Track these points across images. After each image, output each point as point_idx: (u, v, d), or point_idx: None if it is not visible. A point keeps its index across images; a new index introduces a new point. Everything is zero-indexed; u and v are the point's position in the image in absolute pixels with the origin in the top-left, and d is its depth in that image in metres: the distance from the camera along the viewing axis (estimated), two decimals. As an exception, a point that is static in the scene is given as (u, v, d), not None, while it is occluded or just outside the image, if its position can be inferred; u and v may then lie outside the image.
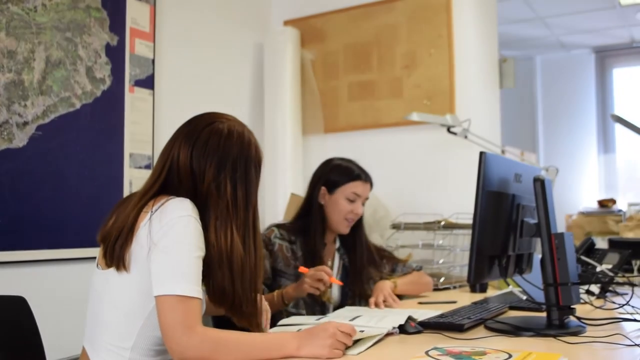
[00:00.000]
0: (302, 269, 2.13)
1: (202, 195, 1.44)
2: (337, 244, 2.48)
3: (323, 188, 2.40)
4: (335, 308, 2.33)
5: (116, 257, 1.38)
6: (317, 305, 2.32)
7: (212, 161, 1.45)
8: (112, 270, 1.40)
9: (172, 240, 1.33)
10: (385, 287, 2.26)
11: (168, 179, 1.46)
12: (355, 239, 2.46)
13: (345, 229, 2.40)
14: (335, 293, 2.40)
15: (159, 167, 1.49)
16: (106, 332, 1.41)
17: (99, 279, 1.46)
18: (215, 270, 1.42)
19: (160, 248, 1.33)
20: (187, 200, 1.39)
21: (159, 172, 1.47)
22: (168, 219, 1.34)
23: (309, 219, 2.39)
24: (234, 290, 1.43)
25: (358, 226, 2.46)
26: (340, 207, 2.36)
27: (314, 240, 2.35)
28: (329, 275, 2.06)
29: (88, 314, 1.51)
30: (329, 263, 2.44)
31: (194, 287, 1.30)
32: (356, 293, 2.39)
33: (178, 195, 1.41)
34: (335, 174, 2.41)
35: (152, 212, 1.37)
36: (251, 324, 1.51)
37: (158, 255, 1.33)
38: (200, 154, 1.45)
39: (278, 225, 2.41)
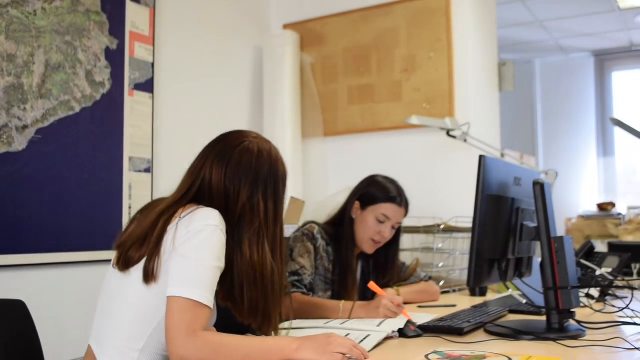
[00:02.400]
0: (373, 286, 2.01)
1: (235, 214, 1.46)
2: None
3: (357, 202, 2.36)
4: None
5: (145, 271, 1.37)
6: None
7: (246, 181, 1.47)
8: (132, 275, 1.41)
9: (194, 246, 1.34)
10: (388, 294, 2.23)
11: (198, 197, 1.48)
12: (387, 259, 2.43)
13: (369, 249, 2.35)
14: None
15: (187, 183, 1.50)
16: (117, 332, 1.41)
17: (114, 279, 1.46)
18: (248, 287, 1.44)
19: (181, 251, 1.34)
20: (216, 211, 1.41)
21: (188, 188, 1.49)
22: (195, 226, 1.36)
23: (340, 230, 2.35)
24: (265, 306, 1.47)
25: (393, 247, 2.42)
26: (367, 225, 2.32)
27: (345, 252, 2.32)
28: (401, 306, 1.94)
29: (98, 312, 1.50)
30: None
31: (207, 296, 1.31)
32: None
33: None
34: (372, 191, 2.36)
35: (180, 218, 1.40)
36: (275, 330, 1.53)
37: (179, 258, 1.34)
38: (234, 175, 1.47)
39: (318, 224, 2.36)
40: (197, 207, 1.41)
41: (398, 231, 2.43)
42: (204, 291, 1.31)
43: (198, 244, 1.34)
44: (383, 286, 2.31)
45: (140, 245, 1.41)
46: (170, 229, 1.39)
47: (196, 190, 1.48)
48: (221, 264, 1.38)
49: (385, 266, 2.43)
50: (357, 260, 2.43)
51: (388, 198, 2.34)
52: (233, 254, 1.43)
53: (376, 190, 2.36)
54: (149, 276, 1.37)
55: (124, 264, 1.42)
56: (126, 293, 1.42)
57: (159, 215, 1.43)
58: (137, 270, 1.40)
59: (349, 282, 2.31)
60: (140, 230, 1.44)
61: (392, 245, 2.43)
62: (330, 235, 2.35)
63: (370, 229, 2.32)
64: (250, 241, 1.45)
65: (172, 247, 1.36)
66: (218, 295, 1.49)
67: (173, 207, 1.45)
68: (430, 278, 2.56)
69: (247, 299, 1.45)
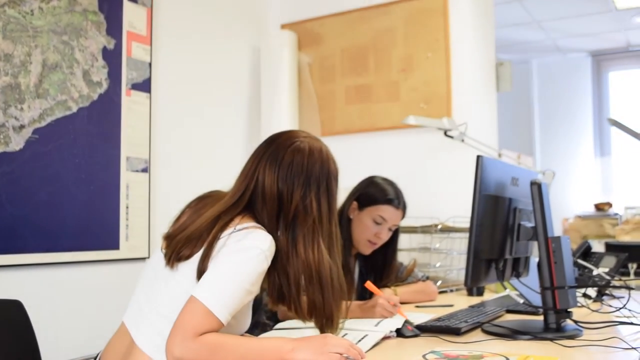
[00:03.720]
0: (369, 285, 2.02)
1: (289, 215, 1.47)
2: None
3: (355, 203, 2.36)
4: None
5: (199, 272, 1.39)
6: None
7: (298, 183, 1.48)
8: (180, 269, 1.43)
9: (236, 261, 1.36)
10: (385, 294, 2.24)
11: (251, 200, 1.50)
12: (385, 260, 2.42)
13: (365, 250, 2.35)
14: None
15: (241, 187, 1.51)
16: (158, 317, 1.42)
17: (162, 268, 1.48)
18: (306, 286, 1.46)
19: (222, 260, 1.36)
20: (270, 237, 1.41)
21: (242, 192, 1.50)
22: (245, 243, 1.37)
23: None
24: (324, 304, 1.47)
25: (390, 247, 2.41)
26: (364, 226, 2.32)
27: (342, 252, 2.32)
28: (397, 306, 1.95)
29: (140, 294, 1.51)
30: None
31: (224, 313, 1.32)
32: None
33: (261, 216, 1.47)
34: (370, 191, 2.36)
35: (235, 229, 1.41)
36: (335, 329, 1.53)
37: (217, 266, 1.36)
38: (286, 177, 1.48)
39: None
40: (255, 227, 1.43)
41: (396, 232, 2.42)
42: (224, 307, 1.32)
43: (240, 261, 1.36)
44: (381, 286, 2.31)
45: (194, 245, 1.43)
46: (224, 236, 1.41)
47: (250, 193, 1.49)
48: (253, 289, 1.38)
49: (383, 267, 2.43)
50: (354, 260, 2.43)
51: (386, 200, 2.33)
52: (288, 255, 1.45)
53: (374, 191, 2.36)
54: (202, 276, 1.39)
55: (176, 259, 1.44)
56: (173, 285, 1.44)
57: (216, 219, 1.45)
58: (185, 265, 1.42)
59: (346, 281, 2.31)
60: (194, 228, 1.45)
61: (390, 246, 2.42)
62: None
63: (367, 230, 2.32)
64: (305, 240, 1.46)
65: (217, 253, 1.38)
66: (268, 301, 1.52)
67: (230, 211, 1.46)
68: (427, 278, 2.56)
69: (306, 298, 1.47)
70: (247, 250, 1.36)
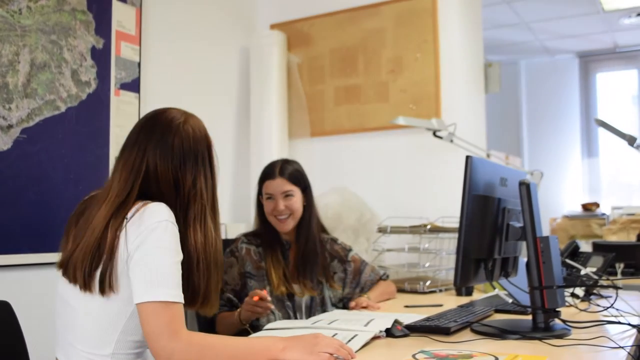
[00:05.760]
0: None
1: (185, 198, 1.46)
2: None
3: (258, 197, 2.48)
4: (308, 308, 2.33)
5: (101, 284, 1.35)
6: (317, 306, 2.35)
7: (189, 164, 1.48)
8: (91, 288, 1.37)
9: (151, 245, 1.33)
10: (362, 300, 2.30)
11: (143, 191, 1.45)
12: (303, 235, 2.44)
13: (279, 227, 2.40)
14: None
15: (127, 183, 1.45)
16: (83, 342, 1.39)
17: (71, 291, 1.42)
18: (193, 270, 1.43)
19: (138, 256, 1.32)
20: (163, 204, 1.39)
21: (132, 185, 1.44)
22: (146, 225, 1.34)
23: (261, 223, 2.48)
24: (207, 285, 1.47)
25: (304, 223, 2.44)
26: (265, 208, 2.42)
27: (270, 241, 2.41)
28: (260, 295, 2.02)
29: (59, 324, 1.47)
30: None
31: (175, 292, 1.31)
32: (306, 286, 2.36)
33: (159, 201, 1.42)
34: (259, 182, 2.48)
35: (127, 219, 1.37)
36: (214, 311, 1.53)
37: (138, 262, 1.32)
38: (179, 162, 1.47)
39: (245, 234, 2.48)
40: (143, 204, 1.39)
41: (307, 208, 2.44)
42: (171, 289, 1.30)
43: (154, 244, 1.33)
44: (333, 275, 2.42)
45: (98, 259, 1.36)
46: (122, 233, 1.35)
47: (139, 185, 1.44)
48: (179, 256, 1.37)
49: (307, 241, 2.42)
50: (296, 241, 2.45)
51: (261, 179, 2.45)
52: (186, 238, 1.43)
53: (259, 179, 2.48)
54: (106, 289, 1.34)
55: (88, 278, 1.36)
56: (85, 304, 1.39)
57: (107, 222, 1.38)
58: (96, 282, 1.36)
59: (273, 265, 2.37)
60: (88, 243, 1.38)
61: (302, 220, 2.43)
62: (260, 234, 2.44)
63: (267, 209, 2.41)
64: (194, 222, 1.45)
65: (126, 252, 1.34)
66: None
67: (121, 209, 1.40)
68: (388, 277, 2.62)
69: (192, 282, 1.43)
70: (153, 230, 1.33)
